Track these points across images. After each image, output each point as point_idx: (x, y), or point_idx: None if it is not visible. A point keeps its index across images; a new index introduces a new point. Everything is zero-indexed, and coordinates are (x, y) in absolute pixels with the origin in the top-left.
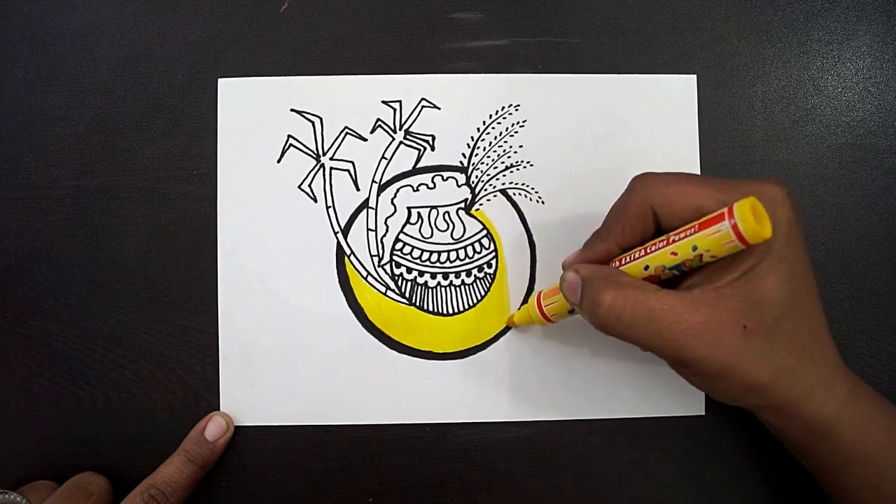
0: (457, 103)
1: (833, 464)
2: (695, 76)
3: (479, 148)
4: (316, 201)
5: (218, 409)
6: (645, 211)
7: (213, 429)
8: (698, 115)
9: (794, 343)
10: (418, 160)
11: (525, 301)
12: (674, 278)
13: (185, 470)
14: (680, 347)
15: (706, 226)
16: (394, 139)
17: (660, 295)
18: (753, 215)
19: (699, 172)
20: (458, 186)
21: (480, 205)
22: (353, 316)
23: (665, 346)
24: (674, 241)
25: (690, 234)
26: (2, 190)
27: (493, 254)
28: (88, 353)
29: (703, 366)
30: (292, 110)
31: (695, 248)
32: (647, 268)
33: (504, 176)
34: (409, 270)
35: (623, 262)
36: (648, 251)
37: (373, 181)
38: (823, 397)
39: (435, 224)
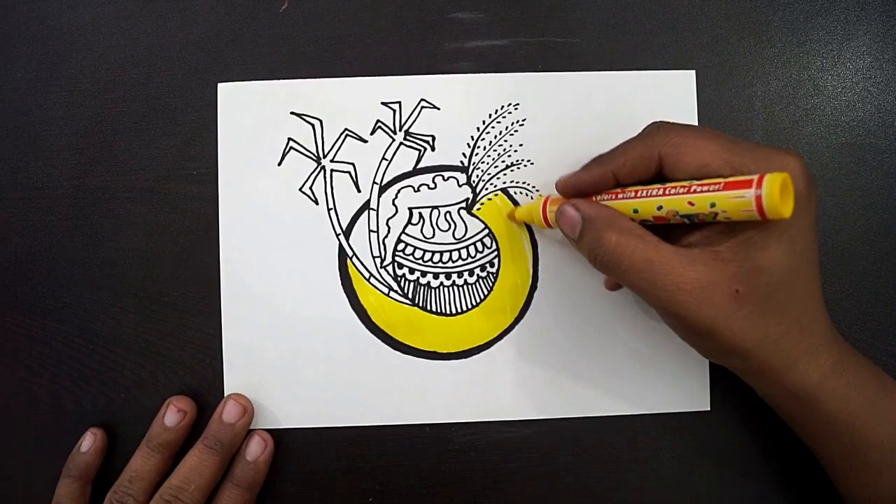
0: (456, 103)
1: (817, 430)
2: (693, 72)
3: (479, 147)
4: (317, 203)
5: None
6: (652, 153)
7: (231, 410)
8: (698, 115)
9: (785, 314)
10: (419, 161)
11: (531, 294)
12: (673, 232)
13: (206, 460)
14: (670, 300)
15: (731, 187)
16: (394, 140)
17: (659, 247)
18: (781, 192)
19: None
20: (459, 186)
21: (482, 204)
22: (357, 317)
23: (657, 297)
24: (694, 192)
25: (713, 191)
26: (2, 190)
27: (496, 253)
28: (88, 353)
29: (691, 321)
30: (292, 113)
31: (713, 205)
32: (660, 208)
33: (505, 175)
34: (412, 271)
35: (637, 195)
36: (667, 192)
37: (374, 182)
38: (807, 367)
39: (436, 224)
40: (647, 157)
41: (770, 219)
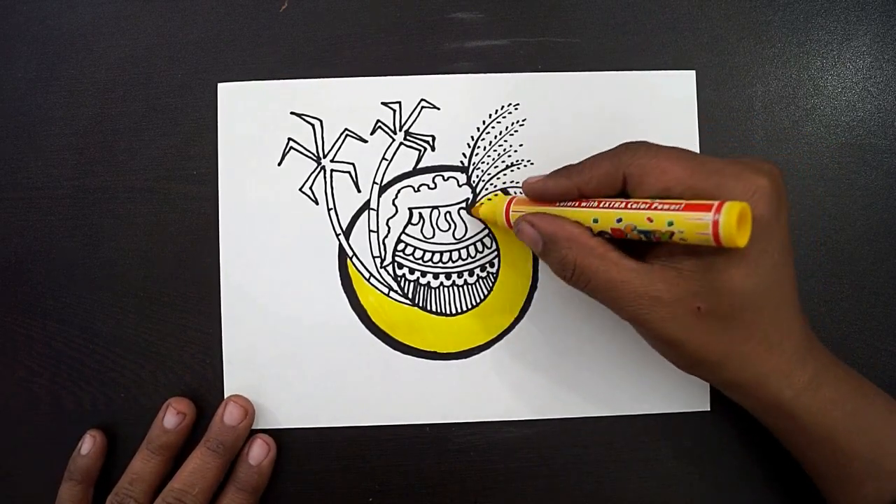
0: (456, 103)
1: (797, 441)
2: (693, 72)
3: (479, 147)
4: (317, 204)
5: None
6: (617, 172)
7: (232, 412)
8: (698, 114)
9: (752, 332)
10: (419, 161)
11: (526, 309)
12: (639, 246)
13: (209, 462)
14: (634, 314)
15: (691, 209)
16: (394, 140)
17: (620, 266)
18: (738, 221)
19: None
20: (459, 186)
21: (482, 204)
22: (357, 318)
23: (622, 311)
24: (655, 209)
25: (672, 210)
26: (2, 190)
27: (495, 253)
28: (88, 353)
29: (655, 333)
30: (292, 113)
31: (670, 224)
32: (619, 220)
33: (505, 175)
34: (412, 271)
35: (600, 205)
36: (628, 206)
37: (374, 182)
38: (779, 384)
39: (436, 224)
40: (612, 176)
41: (725, 246)
